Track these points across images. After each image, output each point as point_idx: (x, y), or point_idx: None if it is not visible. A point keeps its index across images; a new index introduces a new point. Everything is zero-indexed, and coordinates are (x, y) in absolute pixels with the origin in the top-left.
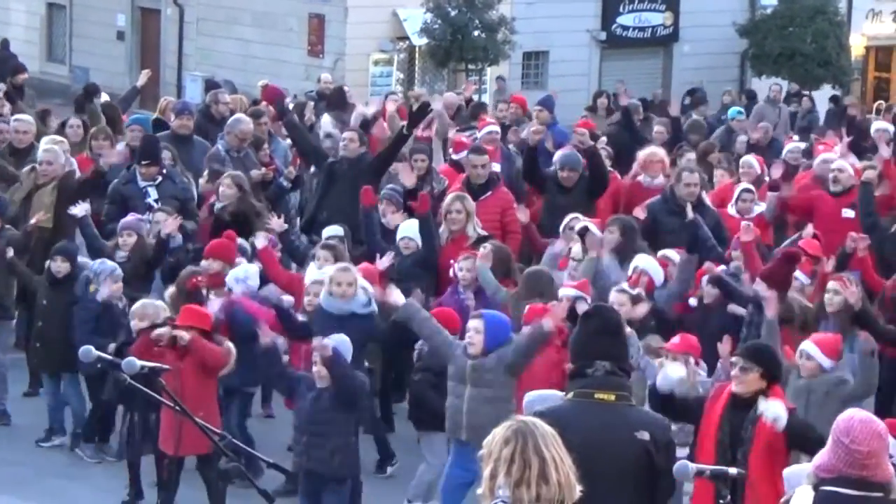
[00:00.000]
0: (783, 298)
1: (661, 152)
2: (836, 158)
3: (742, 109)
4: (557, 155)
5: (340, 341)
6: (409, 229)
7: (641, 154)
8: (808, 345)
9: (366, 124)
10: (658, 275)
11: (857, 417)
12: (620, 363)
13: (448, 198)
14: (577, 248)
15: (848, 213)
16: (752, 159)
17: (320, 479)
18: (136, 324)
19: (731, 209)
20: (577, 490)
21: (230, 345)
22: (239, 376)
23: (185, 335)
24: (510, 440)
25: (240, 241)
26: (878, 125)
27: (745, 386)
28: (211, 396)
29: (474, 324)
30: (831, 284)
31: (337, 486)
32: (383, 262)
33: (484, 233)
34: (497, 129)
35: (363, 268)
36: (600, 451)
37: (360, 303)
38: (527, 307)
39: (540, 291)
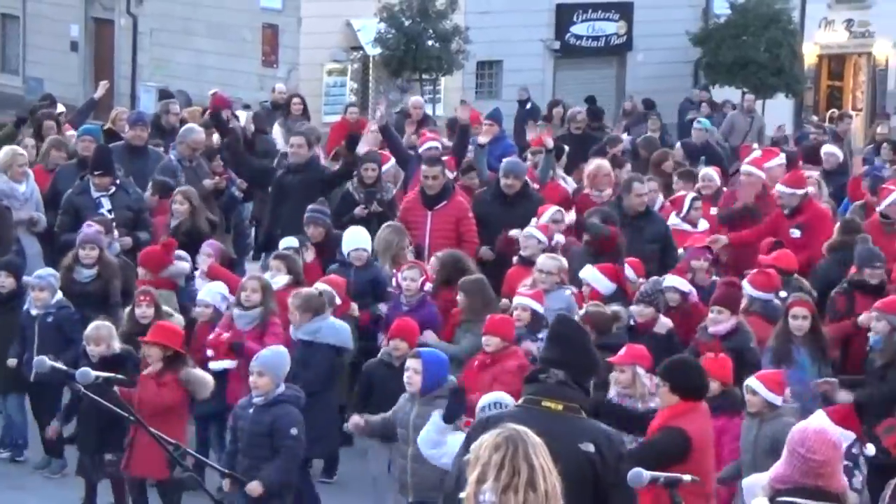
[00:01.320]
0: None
1: (607, 165)
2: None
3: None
4: (503, 162)
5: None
6: (357, 239)
7: (589, 168)
8: (752, 380)
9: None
10: (603, 285)
11: (812, 427)
12: (577, 376)
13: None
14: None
15: (795, 232)
16: (712, 172)
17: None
18: (92, 349)
19: (675, 218)
20: (562, 503)
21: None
22: (218, 402)
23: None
24: (500, 446)
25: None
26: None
27: (661, 400)
28: (178, 419)
29: (412, 363)
30: (796, 310)
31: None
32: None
33: None
34: (438, 144)
35: (330, 279)
36: None
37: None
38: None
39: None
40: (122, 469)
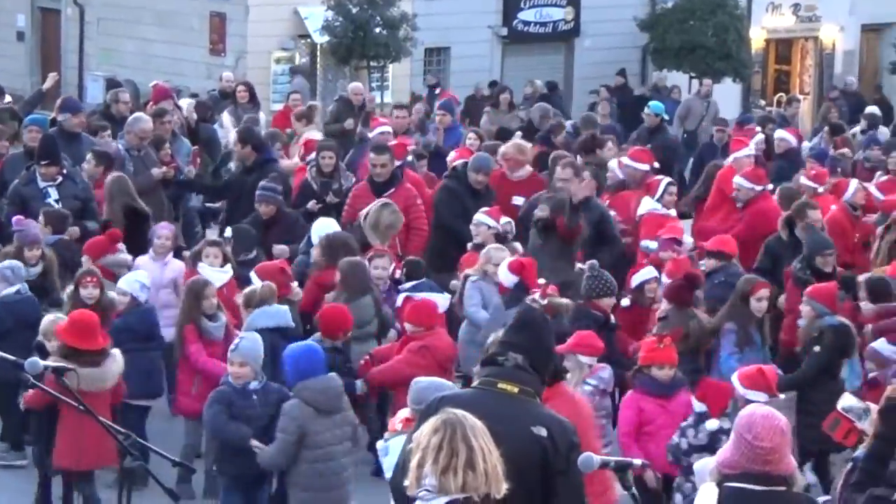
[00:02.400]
0: (684, 316)
1: (527, 146)
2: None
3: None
4: (472, 160)
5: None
6: (323, 230)
7: (504, 148)
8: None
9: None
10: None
11: (759, 413)
12: (535, 361)
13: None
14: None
15: None
16: (613, 164)
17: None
18: (43, 341)
19: (652, 202)
20: (504, 485)
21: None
22: (138, 388)
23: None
24: (439, 430)
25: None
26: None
27: None
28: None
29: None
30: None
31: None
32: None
33: None
34: (389, 129)
35: (266, 266)
36: (494, 440)
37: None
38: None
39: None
40: (75, 467)
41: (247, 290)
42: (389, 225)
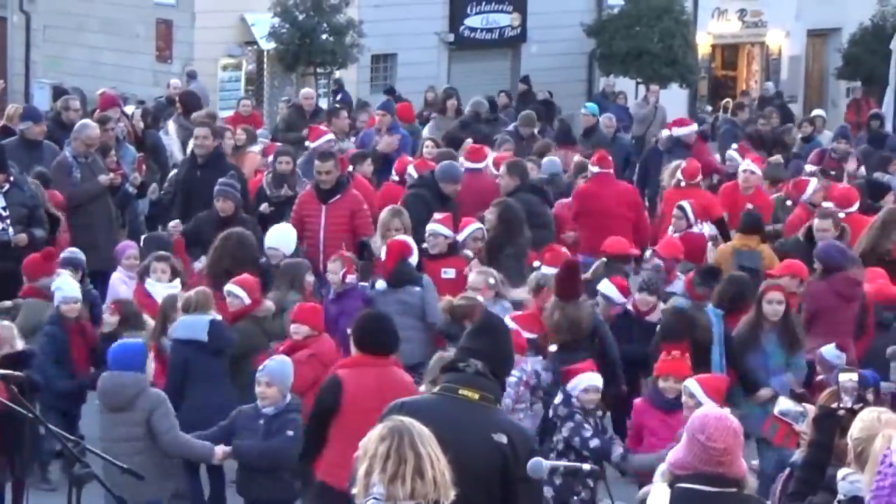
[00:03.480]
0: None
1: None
2: None
3: (590, 104)
4: (439, 170)
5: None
6: (275, 238)
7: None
8: (691, 382)
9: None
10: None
11: (712, 414)
12: (495, 367)
13: (384, 214)
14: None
15: None
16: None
17: None
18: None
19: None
20: (452, 492)
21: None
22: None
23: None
24: (386, 437)
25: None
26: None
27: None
28: None
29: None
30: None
31: None
32: None
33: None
34: (332, 136)
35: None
36: (453, 448)
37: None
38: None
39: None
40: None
41: (185, 294)
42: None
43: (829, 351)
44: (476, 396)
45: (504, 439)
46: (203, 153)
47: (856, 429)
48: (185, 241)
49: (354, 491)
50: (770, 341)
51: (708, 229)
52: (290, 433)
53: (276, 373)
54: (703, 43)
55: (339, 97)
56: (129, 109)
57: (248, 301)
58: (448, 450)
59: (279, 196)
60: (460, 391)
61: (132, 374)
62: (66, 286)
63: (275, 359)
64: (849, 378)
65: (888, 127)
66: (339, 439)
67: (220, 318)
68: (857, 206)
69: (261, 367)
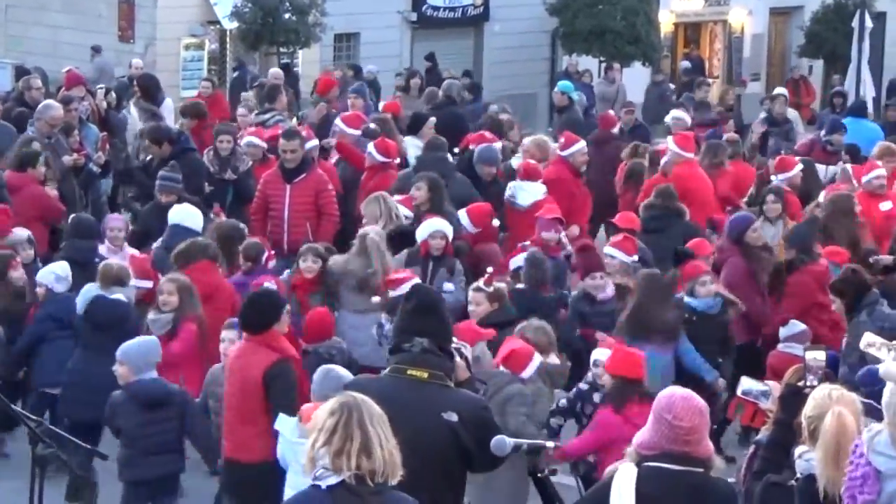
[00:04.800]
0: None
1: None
2: None
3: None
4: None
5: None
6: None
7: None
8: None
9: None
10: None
11: (679, 394)
12: (440, 342)
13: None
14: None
15: None
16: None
17: None
18: None
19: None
20: (400, 471)
21: None
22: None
23: None
24: (335, 412)
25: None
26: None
27: None
28: None
29: (227, 334)
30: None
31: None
32: None
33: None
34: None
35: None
36: (404, 428)
37: None
38: None
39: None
40: None
41: (105, 263)
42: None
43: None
44: (425, 375)
45: (454, 417)
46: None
47: (809, 406)
48: (136, 240)
49: (303, 462)
50: None
51: None
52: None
53: (130, 353)
54: (666, 21)
55: (236, 74)
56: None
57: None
58: (399, 431)
59: (221, 176)
60: (409, 371)
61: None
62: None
63: (137, 339)
64: (814, 357)
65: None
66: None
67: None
68: None
69: (122, 346)
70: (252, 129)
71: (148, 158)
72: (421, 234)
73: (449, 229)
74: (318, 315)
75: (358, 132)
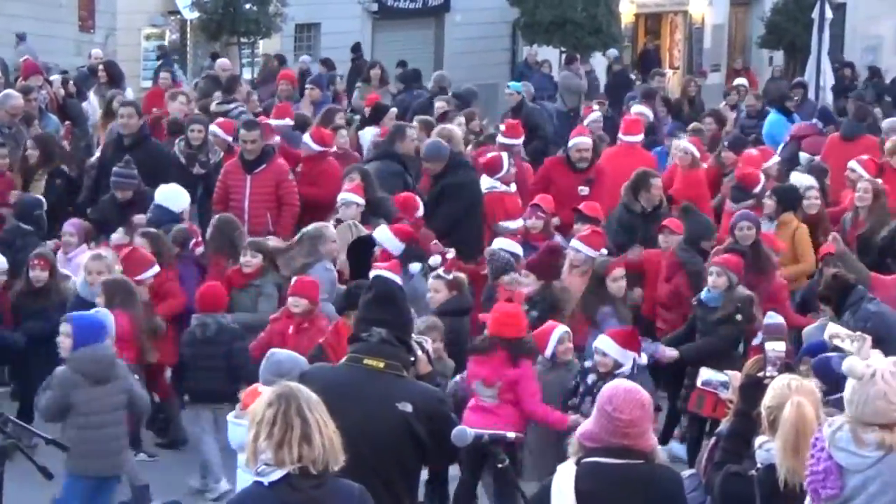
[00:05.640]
0: (549, 287)
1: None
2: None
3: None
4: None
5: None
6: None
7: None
8: (602, 340)
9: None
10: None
11: (622, 387)
12: (398, 333)
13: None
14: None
15: (583, 189)
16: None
17: None
18: None
19: (490, 181)
20: (342, 457)
21: None
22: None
23: None
24: (273, 403)
25: None
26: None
27: None
28: None
29: (64, 328)
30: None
31: None
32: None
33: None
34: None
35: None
36: (358, 416)
37: None
38: None
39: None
40: None
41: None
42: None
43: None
44: (381, 365)
45: (409, 408)
46: (128, 132)
47: (768, 397)
48: (94, 228)
49: (244, 457)
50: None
51: None
52: None
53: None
54: (627, 12)
55: (161, 62)
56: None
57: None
58: (352, 419)
59: (190, 170)
60: (365, 360)
61: (108, 345)
62: None
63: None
64: (773, 347)
65: (811, 95)
66: None
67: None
68: None
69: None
70: (219, 121)
71: (97, 157)
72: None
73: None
74: (211, 288)
75: (289, 123)
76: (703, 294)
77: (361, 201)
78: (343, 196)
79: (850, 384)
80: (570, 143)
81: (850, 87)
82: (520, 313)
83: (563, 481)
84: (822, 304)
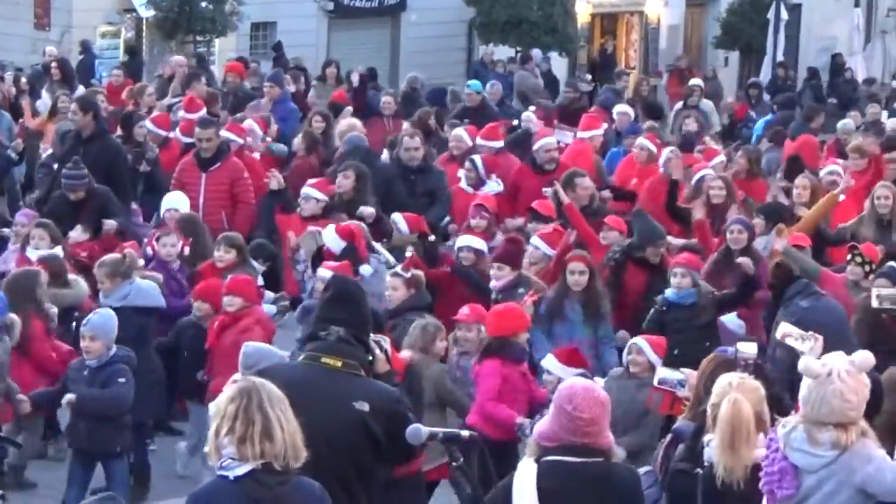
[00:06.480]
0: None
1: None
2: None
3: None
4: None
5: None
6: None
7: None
8: (639, 340)
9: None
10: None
11: (580, 385)
12: (356, 332)
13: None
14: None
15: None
16: (462, 132)
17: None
18: None
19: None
20: (304, 453)
21: None
22: None
23: None
24: (235, 398)
25: None
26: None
27: None
28: None
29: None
30: (573, 265)
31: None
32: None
33: None
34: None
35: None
36: (315, 415)
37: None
38: None
39: None
40: None
41: (110, 257)
42: None
43: (730, 319)
44: (339, 364)
45: (366, 407)
46: (81, 128)
47: (712, 394)
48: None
49: (206, 450)
50: (574, 311)
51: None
52: (122, 380)
53: (98, 326)
54: (583, 12)
55: (81, 58)
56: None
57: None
58: (309, 417)
59: (135, 167)
60: (322, 359)
61: None
62: None
63: (98, 312)
64: (743, 349)
65: (765, 96)
66: None
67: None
68: None
69: (84, 322)
70: (154, 116)
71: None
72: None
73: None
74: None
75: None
76: (670, 296)
77: (322, 197)
78: (305, 190)
79: (805, 383)
80: (537, 146)
81: (785, 86)
82: (515, 312)
83: (525, 480)
84: (771, 293)
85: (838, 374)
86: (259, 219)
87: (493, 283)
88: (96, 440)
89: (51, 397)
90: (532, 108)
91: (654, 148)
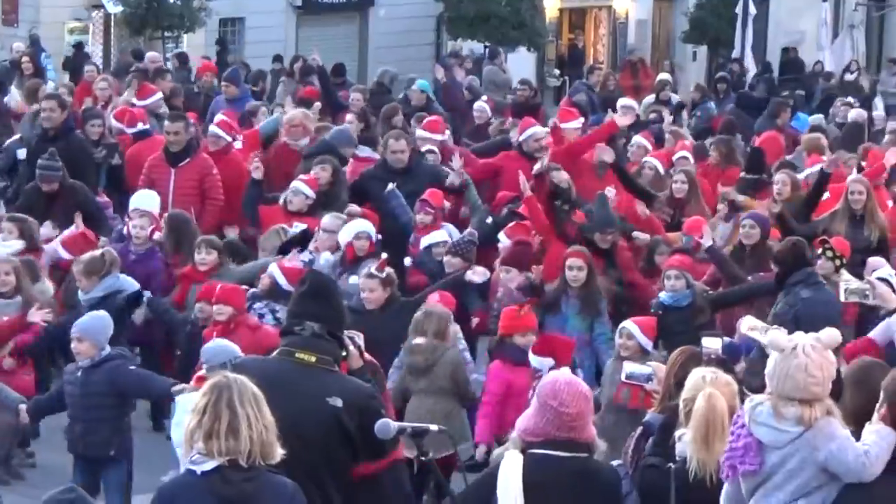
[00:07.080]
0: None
1: (299, 115)
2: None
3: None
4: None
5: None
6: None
7: (287, 118)
8: (629, 324)
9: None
10: None
11: (563, 380)
12: (330, 327)
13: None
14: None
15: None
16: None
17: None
18: None
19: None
20: (278, 451)
21: None
22: None
23: None
24: (206, 393)
25: None
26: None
27: None
28: None
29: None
30: (571, 261)
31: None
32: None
33: None
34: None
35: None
36: (288, 410)
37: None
38: None
39: None
40: None
41: (87, 256)
42: None
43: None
44: (313, 359)
45: (339, 402)
46: (51, 125)
47: (685, 389)
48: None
49: (179, 440)
50: (569, 305)
51: None
52: (132, 367)
53: (85, 328)
54: (551, 6)
55: (42, 55)
56: None
57: None
58: (282, 413)
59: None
60: (297, 354)
61: None
62: None
63: (90, 315)
64: (708, 345)
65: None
66: None
67: None
68: None
69: (74, 325)
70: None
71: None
72: (344, 236)
73: (371, 229)
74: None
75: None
76: (665, 299)
77: (311, 193)
78: (295, 185)
79: (772, 358)
80: (525, 135)
81: (739, 82)
82: (512, 313)
83: (510, 472)
84: (774, 265)
85: (803, 348)
86: (245, 208)
87: (502, 287)
88: (90, 443)
89: (50, 404)
90: (483, 98)
91: (649, 146)
